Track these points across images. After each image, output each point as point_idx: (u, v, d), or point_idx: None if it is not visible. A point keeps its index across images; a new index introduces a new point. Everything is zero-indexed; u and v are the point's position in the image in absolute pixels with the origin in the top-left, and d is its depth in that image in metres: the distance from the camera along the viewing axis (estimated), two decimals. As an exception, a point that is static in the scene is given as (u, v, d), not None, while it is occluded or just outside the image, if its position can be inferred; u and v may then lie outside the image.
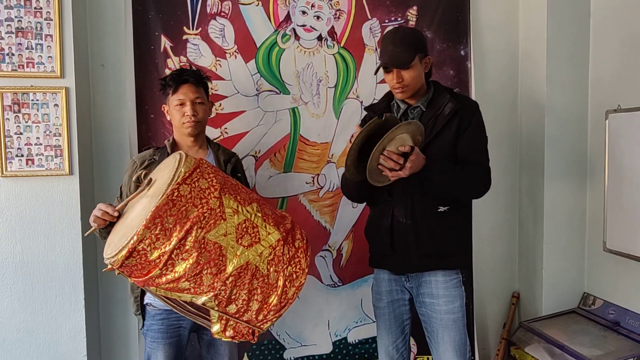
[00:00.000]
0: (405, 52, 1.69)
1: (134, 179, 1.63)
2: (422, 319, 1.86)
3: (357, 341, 2.49)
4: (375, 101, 2.12)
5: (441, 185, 1.71)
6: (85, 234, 1.61)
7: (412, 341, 2.49)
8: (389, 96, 1.89)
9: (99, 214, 1.55)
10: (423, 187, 1.70)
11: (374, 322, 2.40)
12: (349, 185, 1.86)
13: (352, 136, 1.63)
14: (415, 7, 2.46)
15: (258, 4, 2.32)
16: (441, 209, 1.76)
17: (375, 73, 1.85)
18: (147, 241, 1.36)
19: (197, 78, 1.82)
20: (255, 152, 2.36)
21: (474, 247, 2.56)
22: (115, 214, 1.55)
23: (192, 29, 2.27)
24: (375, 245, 1.91)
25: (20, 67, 2.02)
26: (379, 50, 2.40)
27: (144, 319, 1.82)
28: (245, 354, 2.38)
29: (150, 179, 1.52)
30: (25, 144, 2.04)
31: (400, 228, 1.77)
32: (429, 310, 1.80)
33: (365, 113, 1.96)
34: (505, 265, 2.74)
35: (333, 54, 2.40)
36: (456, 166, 1.74)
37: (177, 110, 1.79)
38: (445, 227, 1.77)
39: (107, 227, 1.59)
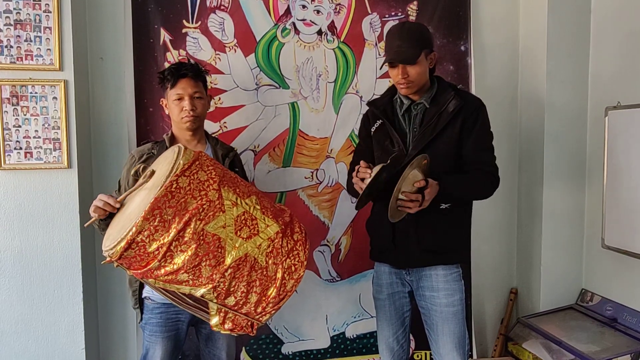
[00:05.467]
0: (411, 47, 1.68)
1: (132, 172, 1.63)
2: (422, 311, 1.87)
3: (355, 336, 2.49)
4: (376, 96, 2.11)
5: (457, 200, 1.77)
6: (85, 225, 1.60)
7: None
8: (391, 91, 1.88)
9: (100, 204, 1.54)
10: (441, 202, 1.73)
11: (372, 317, 2.42)
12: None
13: (359, 172, 1.66)
14: (415, 2, 2.45)
15: (258, -3, 2.32)
16: (443, 206, 1.75)
17: (381, 67, 1.83)
18: (145, 233, 1.36)
19: (195, 72, 1.81)
20: (255, 147, 2.35)
21: (472, 243, 2.57)
22: (117, 204, 1.54)
23: (192, 23, 2.26)
24: (377, 239, 1.92)
25: (19, 59, 2.01)
26: (380, 44, 2.40)
27: (142, 313, 1.82)
28: (243, 348, 2.38)
29: (152, 171, 1.52)
30: (24, 137, 2.03)
31: (402, 223, 1.76)
32: (429, 303, 1.81)
33: (367, 108, 1.95)
34: (503, 261, 2.75)
35: (333, 49, 2.40)
36: (467, 176, 1.75)
37: (175, 105, 1.78)
38: (447, 223, 1.78)
39: (107, 219, 1.58)
